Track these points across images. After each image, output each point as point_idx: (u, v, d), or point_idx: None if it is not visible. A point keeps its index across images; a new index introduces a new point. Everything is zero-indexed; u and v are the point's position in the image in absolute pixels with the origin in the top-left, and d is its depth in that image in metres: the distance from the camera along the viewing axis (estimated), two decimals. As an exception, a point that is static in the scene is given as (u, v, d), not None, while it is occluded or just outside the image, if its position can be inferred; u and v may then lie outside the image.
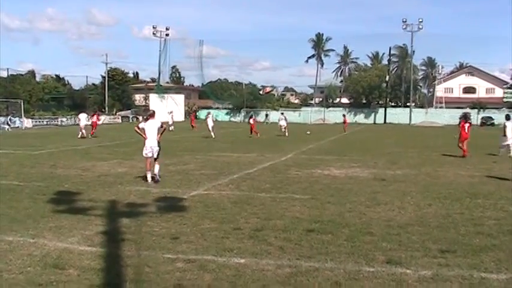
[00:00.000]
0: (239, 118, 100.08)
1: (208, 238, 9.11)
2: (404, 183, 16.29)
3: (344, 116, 59.29)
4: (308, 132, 50.31)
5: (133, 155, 23.31)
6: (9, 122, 56.46)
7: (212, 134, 41.60)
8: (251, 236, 9.25)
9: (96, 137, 39.68)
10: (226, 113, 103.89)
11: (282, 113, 54.07)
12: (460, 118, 26.76)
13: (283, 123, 48.69)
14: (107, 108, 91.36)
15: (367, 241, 8.97)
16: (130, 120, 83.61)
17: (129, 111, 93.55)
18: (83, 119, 42.01)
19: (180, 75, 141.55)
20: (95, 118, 44.22)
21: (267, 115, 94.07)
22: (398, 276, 7.19)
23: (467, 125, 26.40)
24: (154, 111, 17.36)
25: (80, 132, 39.91)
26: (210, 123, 42.78)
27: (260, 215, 11.10)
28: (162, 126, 16.54)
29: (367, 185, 15.86)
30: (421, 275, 7.21)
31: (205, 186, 15.21)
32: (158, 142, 16.36)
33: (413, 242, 8.91)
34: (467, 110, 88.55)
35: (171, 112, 57.78)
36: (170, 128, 49.34)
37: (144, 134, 16.31)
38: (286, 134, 45.87)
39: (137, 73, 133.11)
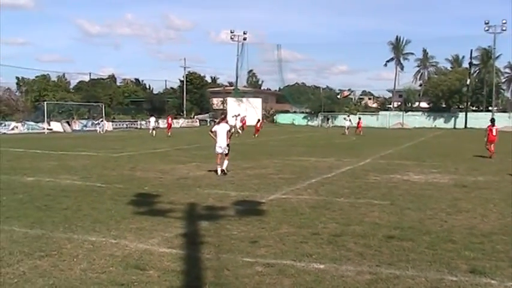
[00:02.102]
0: (316, 122, 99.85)
1: (286, 243, 9.08)
2: (486, 190, 15.80)
3: (359, 119, 61.73)
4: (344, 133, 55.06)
5: (211, 158, 23.50)
6: (100, 125, 58.92)
7: (239, 130, 51.67)
8: (330, 242, 9.17)
9: (170, 137, 45.84)
10: (304, 117, 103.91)
11: (348, 115, 64.80)
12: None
13: (347, 123, 57.89)
14: (185, 112, 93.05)
15: (449, 249, 8.74)
16: (208, 124, 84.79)
17: (207, 114, 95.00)
18: (152, 121, 51.35)
19: (257, 79, 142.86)
20: (169, 120, 53.08)
21: (328, 119, 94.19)
22: (483, 286, 6.95)
23: (494, 128, 28.33)
24: (225, 116, 18.91)
25: (152, 131, 49.16)
26: (239, 124, 54.18)
27: (339, 220, 11.00)
28: (230, 131, 18.82)
29: (447, 191, 15.48)
30: (507, 287, 6.95)
31: (284, 191, 15.18)
32: (227, 144, 18.48)
33: (498, 252, 8.61)
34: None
35: (236, 115, 58.06)
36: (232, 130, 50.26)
37: (216, 136, 18.55)
38: (347, 133, 55.00)
39: (215, 77, 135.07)
